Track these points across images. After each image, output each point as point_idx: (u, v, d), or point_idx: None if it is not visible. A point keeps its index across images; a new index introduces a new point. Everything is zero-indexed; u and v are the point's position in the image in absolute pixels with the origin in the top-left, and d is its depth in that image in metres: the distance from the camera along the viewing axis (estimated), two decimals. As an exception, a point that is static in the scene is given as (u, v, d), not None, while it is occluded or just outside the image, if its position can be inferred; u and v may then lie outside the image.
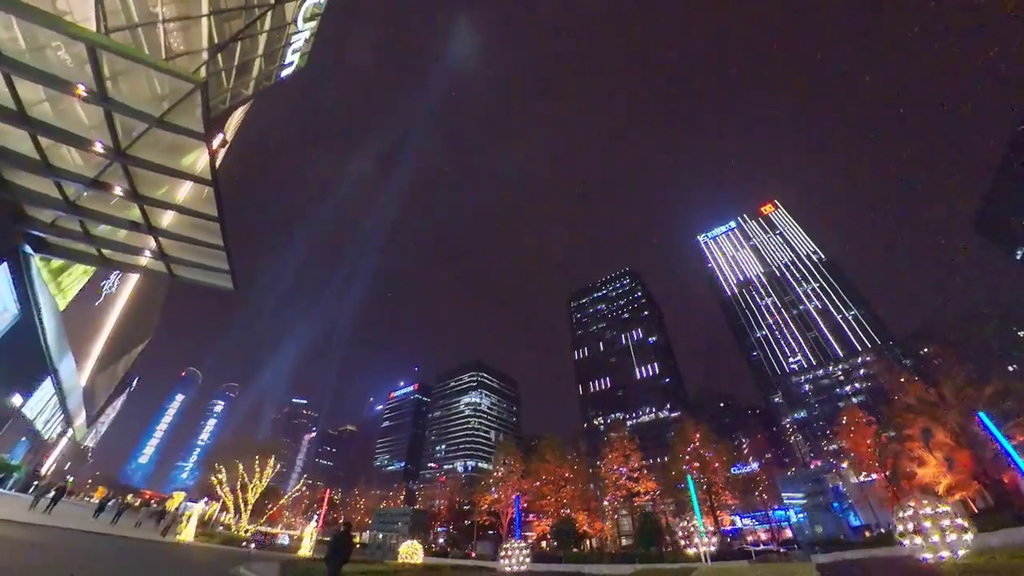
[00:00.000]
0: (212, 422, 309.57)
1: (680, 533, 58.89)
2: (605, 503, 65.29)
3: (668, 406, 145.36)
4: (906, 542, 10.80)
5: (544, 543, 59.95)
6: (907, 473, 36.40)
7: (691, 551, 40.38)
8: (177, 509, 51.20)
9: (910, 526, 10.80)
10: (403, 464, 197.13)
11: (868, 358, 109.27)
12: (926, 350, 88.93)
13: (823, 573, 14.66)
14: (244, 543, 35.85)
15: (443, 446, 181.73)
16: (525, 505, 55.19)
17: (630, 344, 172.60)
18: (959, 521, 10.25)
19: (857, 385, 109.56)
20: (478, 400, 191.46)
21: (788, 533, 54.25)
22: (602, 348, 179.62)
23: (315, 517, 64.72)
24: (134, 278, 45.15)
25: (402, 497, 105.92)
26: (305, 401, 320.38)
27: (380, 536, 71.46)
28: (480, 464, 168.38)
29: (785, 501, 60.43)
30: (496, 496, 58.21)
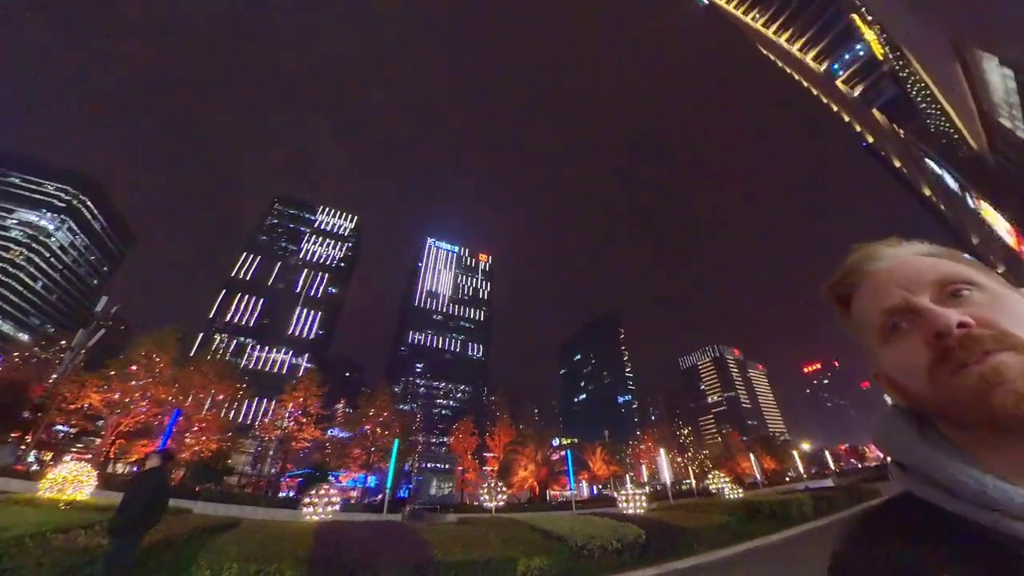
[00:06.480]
0: None
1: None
2: (250, 441, 59.09)
3: (306, 357, 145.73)
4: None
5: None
6: (513, 471, 57.50)
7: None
8: None
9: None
10: None
11: (469, 389, 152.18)
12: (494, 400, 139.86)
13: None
14: None
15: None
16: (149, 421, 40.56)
17: (307, 284, 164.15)
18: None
19: (454, 403, 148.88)
20: (53, 228, 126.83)
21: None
22: (276, 271, 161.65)
23: None
24: None
25: None
26: None
27: None
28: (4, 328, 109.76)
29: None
30: (116, 397, 39.52)
